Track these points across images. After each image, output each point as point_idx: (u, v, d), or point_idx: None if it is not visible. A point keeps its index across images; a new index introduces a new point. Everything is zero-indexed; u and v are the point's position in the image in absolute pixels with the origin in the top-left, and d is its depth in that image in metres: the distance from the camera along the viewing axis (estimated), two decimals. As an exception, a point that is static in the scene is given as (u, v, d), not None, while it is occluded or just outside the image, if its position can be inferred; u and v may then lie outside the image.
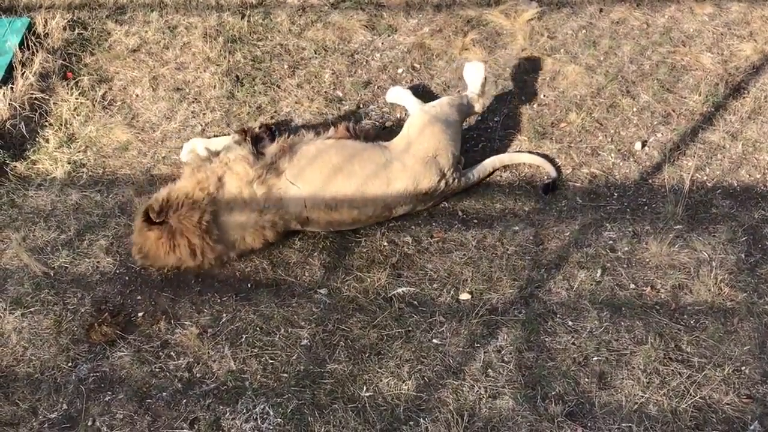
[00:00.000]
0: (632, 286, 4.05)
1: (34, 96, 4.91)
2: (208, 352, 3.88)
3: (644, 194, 4.46)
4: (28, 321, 4.02)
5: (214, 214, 4.03)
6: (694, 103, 4.83)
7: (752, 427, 3.54)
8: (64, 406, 3.72)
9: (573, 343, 3.84)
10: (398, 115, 4.87)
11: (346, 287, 4.10)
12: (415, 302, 4.03)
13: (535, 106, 4.89)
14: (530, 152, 4.63)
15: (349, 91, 5.01)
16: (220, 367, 3.82)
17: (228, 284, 4.15)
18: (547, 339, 3.86)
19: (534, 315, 3.95)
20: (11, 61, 5.04)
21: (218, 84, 5.01)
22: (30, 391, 3.77)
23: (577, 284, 4.06)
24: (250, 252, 4.19)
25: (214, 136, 4.72)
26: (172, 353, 3.89)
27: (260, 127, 4.53)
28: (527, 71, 5.06)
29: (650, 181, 4.51)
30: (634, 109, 4.83)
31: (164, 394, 3.74)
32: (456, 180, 4.35)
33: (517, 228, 4.32)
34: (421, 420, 3.60)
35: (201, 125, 4.85)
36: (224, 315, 4.02)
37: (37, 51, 5.10)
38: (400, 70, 5.09)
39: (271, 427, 3.61)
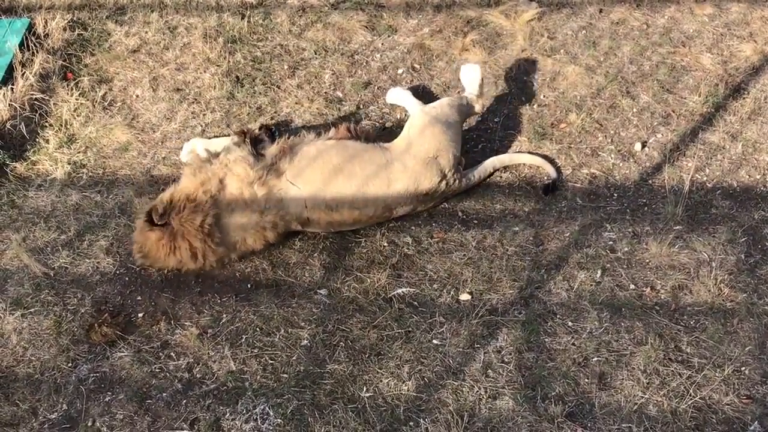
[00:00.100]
0: (632, 286, 4.05)
1: (34, 96, 4.91)
2: (208, 353, 3.88)
3: (644, 195, 4.46)
4: (29, 321, 4.02)
5: (216, 217, 4.03)
6: (694, 104, 4.83)
7: (752, 428, 3.54)
8: (64, 407, 3.72)
9: (573, 344, 3.84)
10: (398, 116, 4.87)
11: (346, 288, 4.10)
12: (415, 303, 4.03)
13: (535, 106, 4.89)
14: (530, 153, 4.63)
15: (349, 91, 5.01)
16: (220, 368, 3.82)
17: (228, 285, 4.15)
18: (547, 339, 3.86)
19: (534, 315, 3.95)
20: (11, 61, 5.04)
21: (218, 85, 5.01)
22: (30, 391, 3.77)
23: (577, 285, 4.06)
24: (251, 253, 4.19)
25: (214, 136, 4.72)
26: (172, 354, 3.89)
27: (260, 128, 4.53)
28: (527, 72, 5.06)
29: (650, 181, 4.51)
30: (634, 110, 4.83)
31: (164, 394, 3.75)
32: (457, 181, 4.35)
33: (517, 228, 4.32)
34: (421, 420, 3.60)
35: (201, 126, 4.85)
36: (224, 315, 4.02)
37: (37, 52, 5.10)
38: (400, 71, 5.10)
39: (271, 428, 3.61)
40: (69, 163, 4.70)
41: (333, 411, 3.65)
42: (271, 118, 4.85)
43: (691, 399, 3.62)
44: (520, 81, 5.02)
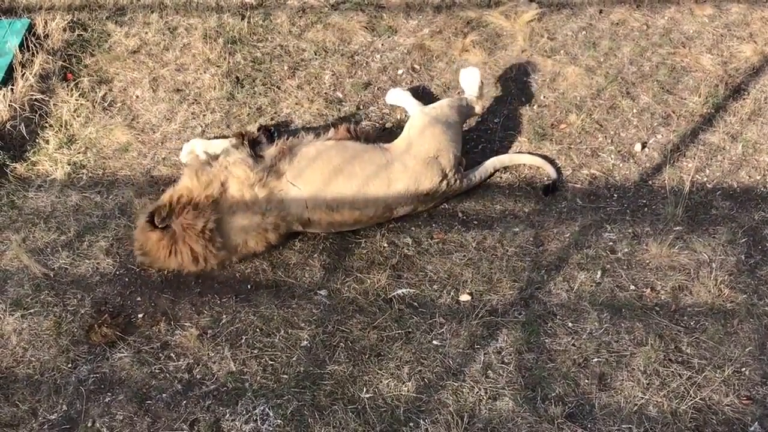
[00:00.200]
0: (632, 287, 4.05)
1: (34, 97, 4.91)
2: (208, 354, 3.88)
3: (644, 196, 4.46)
4: (28, 322, 4.02)
5: (218, 221, 4.03)
6: (694, 105, 4.83)
7: (752, 429, 3.54)
8: (64, 408, 3.72)
9: (573, 345, 3.84)
10: (398, 117, 4.87)
11: (346, 288, 4.10)
12: (415, 303, 4.03)
13: (535, 107, 4.89)
14: (530, 153, 4.63)
15: (349, 92, 5.01)
16: (220, 369, 3.82)
17: (228, 286, 4.15)
18: (547, 340, 3.86)
19: (534, 316, 3.95)
20: (11, 62, 5.04)
21: (218, 85, 5.01)
22: (30, 392, 3.77)
23: (577, 286, 4.06)
24: (252, 255, 4.19)
25: (214, 137, 4.72)
26: (172, 354, 3.89)
27: (258, 129, 4.54)
28: (527, 72, 5.06)
29: (650, 182, 4.51)
30: (634, 111, 4.83)
31: (164, 395, 3.74)
32: (457, 180, 4.35)
33: (517, 229, 4.32)
34: (421, 421, 3.60)
35: (201, 126, 4.85)
36: (224, 316, 4.02)
37: (37, 52, 5.10)
38: (400, 72, 5.10)
39: (271, 429, 3.61)
40: (69, 164, 4.70)
41: (333, 412, 3.64)
42: (271, 119, 4.85)
43: (691, 400, 3.62)
44: (520, 82, 5.02)
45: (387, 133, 4.74)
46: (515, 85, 5.00)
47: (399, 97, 4.73)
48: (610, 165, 4.60)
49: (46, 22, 5.30)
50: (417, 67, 5.13)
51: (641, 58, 5.09)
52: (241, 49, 5.21)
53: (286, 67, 5.12)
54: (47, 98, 4.94)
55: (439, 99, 4.74)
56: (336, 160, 4.18)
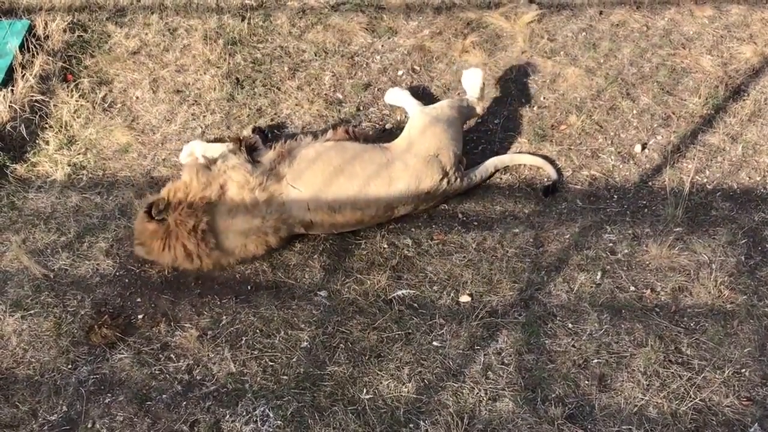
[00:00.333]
0: (632, 288, 4.05)
1: (34, 98, 4.91)
2: (208, 355, 3.88)
3: (644, 197, 4.46)
4: (28, 323, 4.02)
5: (211, 222, 4.03)
6: (694, 106, 4.84)
7: (752, 430, 3.54)
8: (64, 408, 3.72)
9: (573, 346, 3.84)
10: (398, 118, 4.87)
11: (346, 289, 4.10)
12: (415, 304, 4.03)
13: (535, 108, 4.89)
14: (531, 153, 4.63)
15: (349, 93, 5.01)
16: (220, 370, 3.82)
17: (228, 286, 4.15)
18: (547, 341, 3.86)
19: (534, 317, 3.95)
20: (11, 63, 5.04)
21: (218, 86, 5.01)
22: (30, 393, 3.77)
23: (577, 287, 4.06)
24: (253, 258, 4.19)
25: (214, 138, 4.72)
26: (172, 355, 3.89)
27: (253, 130, 4.55)
28: (527, 74, 5.06)
29: (650, 183, 4.51)
30: (634, 112, 4.83)
31: (164, 396, 3.74)
32: (458, 179, 4.35)
33: (517, 230, 4.32)
34: (421, 422, 3.60)
35: (201, 127, 4.85)
36: (224, 317, 4.02)
37: (38, 53, 5.10)
38: (400, 73, 5.10)
39: (271, 430, 3.61)
40: (69, 165, 4.70)
41: (333, 413, 3.64)
42: (271, 120, 4.85)
43: (691, 401, 3.62)
44: (520, 83, 5.02)
45: (387, 133, 4.74)
46: (515, 86, 5.00)
47: (398, 97, 4.73)
48: (610, 166, 4.60)
49: (46, 23, 5.30)
50: (417, 68, 5.13)
51: (641, 60, 5.09)
52: (241, 50, 5.21)
53: (286, 68, 5.13)
54: (47, 99, 4.94)
55: (439, 100, 4.74)
56: (336, 160, 4.18)
